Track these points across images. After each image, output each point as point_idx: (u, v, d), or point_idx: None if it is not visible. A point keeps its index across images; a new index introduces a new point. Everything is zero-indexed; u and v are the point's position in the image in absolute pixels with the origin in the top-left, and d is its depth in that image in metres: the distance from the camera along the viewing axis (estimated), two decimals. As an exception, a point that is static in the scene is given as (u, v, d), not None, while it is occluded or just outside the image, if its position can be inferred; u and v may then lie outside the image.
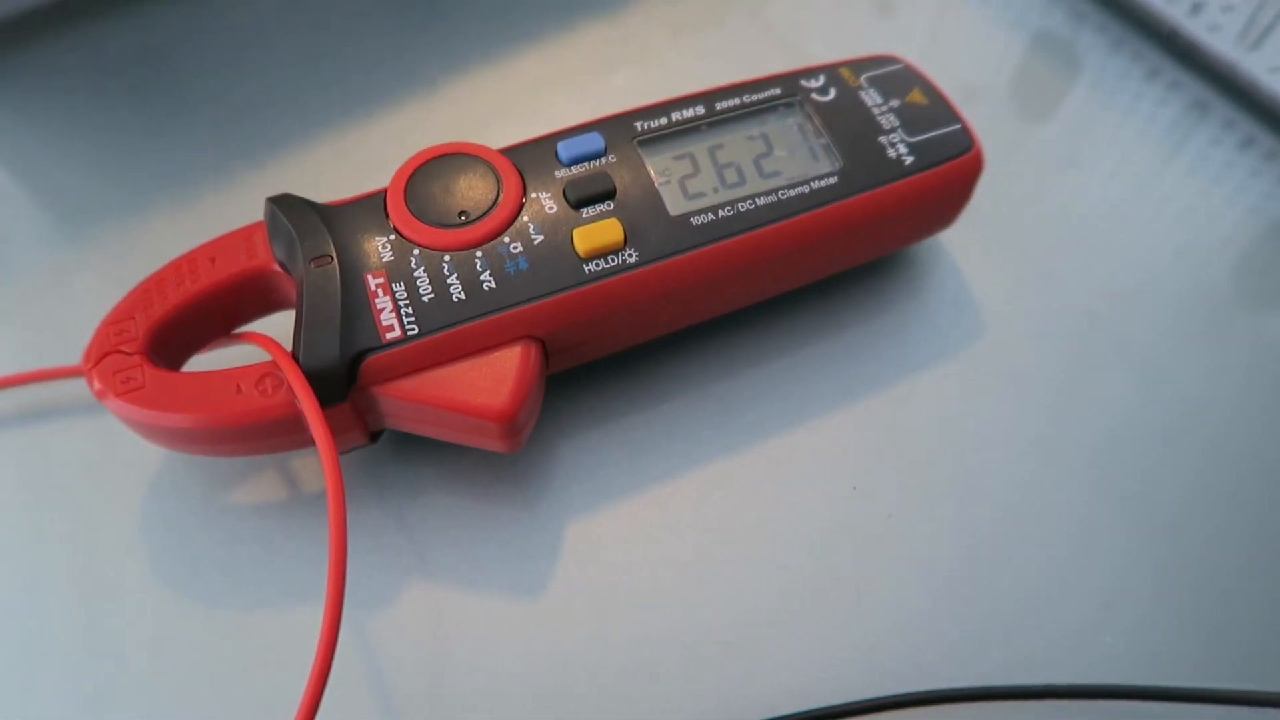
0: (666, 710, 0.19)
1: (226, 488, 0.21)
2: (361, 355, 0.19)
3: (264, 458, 0.22)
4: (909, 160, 0.22)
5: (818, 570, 0.21)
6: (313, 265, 0.19)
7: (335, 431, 0.19)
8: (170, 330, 0.20)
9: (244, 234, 0.21)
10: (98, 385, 0.19)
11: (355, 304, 0.19)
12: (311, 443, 0.19)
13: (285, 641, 0.19)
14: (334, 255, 0.19)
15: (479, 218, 0.20)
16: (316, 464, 0.22)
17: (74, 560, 0.21)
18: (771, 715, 0.18)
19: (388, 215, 0.20)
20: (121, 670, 0.19)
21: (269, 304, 0.21)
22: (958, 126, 0.23)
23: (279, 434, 0.19)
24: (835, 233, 0.21)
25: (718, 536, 0.21)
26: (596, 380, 0.23)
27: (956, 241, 0.26)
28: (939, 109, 0.23)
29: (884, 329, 0.24)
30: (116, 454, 0.22)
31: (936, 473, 0.22)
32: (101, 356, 0.19)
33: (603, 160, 0.21)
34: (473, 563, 0.21)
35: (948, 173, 0.22)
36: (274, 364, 0.19)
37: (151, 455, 0.22)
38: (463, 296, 0.19)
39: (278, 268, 0.20)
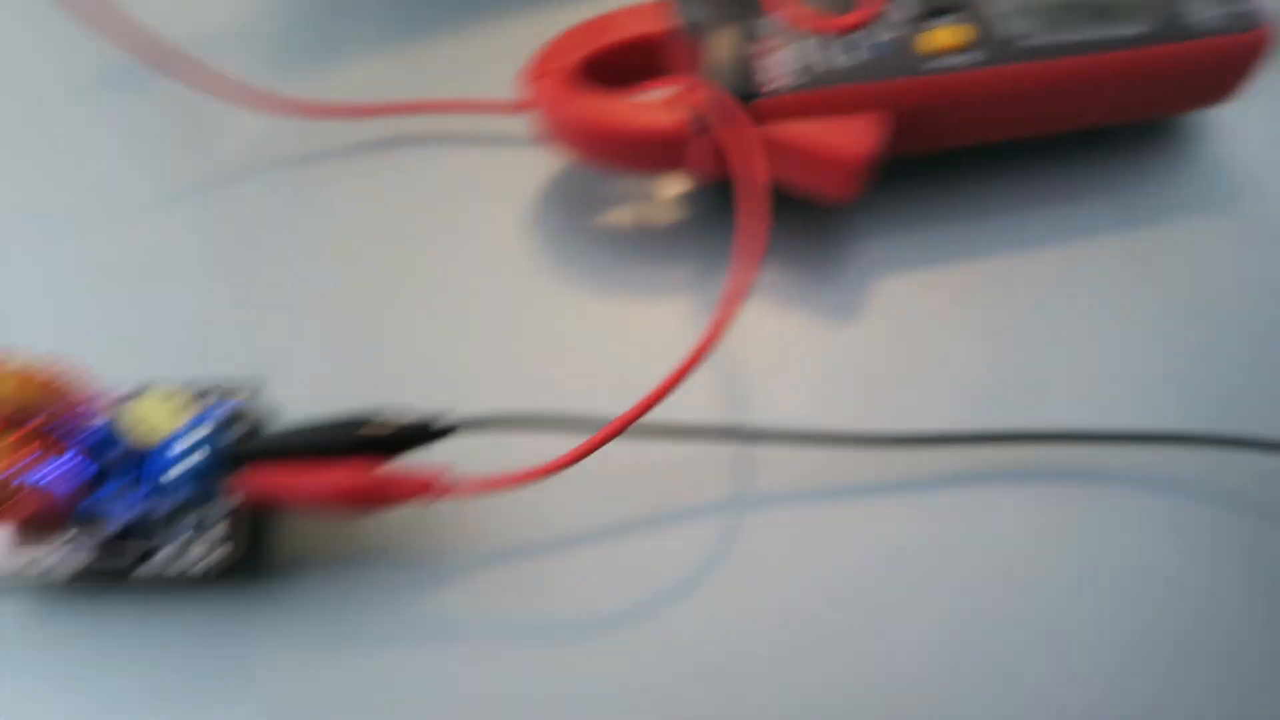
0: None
1: (602, 212, 0.27)
2: (750, 98, 0.24)
3: (629, 192, 0.27)
4: (1207, 24, 0.26)
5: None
6: (713, 29, 0.24)
7: (713, 163, 0.24)
8: (588, 73, 0.25)
9: (648, 5, 0.26)
10: (540, 91, 0.24)
11: (748, 60, 0.24)
12: (682, 167, 0.25)
13: (653, 332, 0.25)
14: (727, 21, 0.24)
15: (848, 10, 0.25)
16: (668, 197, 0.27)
17: (475, 253, 0.27)
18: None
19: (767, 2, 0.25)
20: (499, 349, 0.25)
21: (664, 68, 0.26)
22: (1251, 6, 0.26)
23: (677, 151, 0.24)
24: (1136, 74, 0.25)
25: (996, 322, 0.25)
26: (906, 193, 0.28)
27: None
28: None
29: (1152, 188, 0.28)
30: (504, 180, 0.28)
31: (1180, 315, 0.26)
32: (541, 75, 0.24)
33: (950, -16, 0.26)
34: (785, 305, 0.26)
35: (1238, 42, 0.26)
36: (684, 93, 0.24)
37: (534, 182, 0.28)
38: (832, 67, 0.24)
39: (677, 34, 0.25)
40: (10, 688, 0.22)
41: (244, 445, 0.22)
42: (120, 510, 0.21)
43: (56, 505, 0.20)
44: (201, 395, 0.23)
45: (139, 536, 0.21)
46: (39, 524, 0.21)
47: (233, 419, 0.22)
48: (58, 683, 0.22)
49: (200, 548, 0.21)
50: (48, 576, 0.21)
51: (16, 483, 0.19)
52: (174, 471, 0.21)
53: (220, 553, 0.21)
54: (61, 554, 0.21)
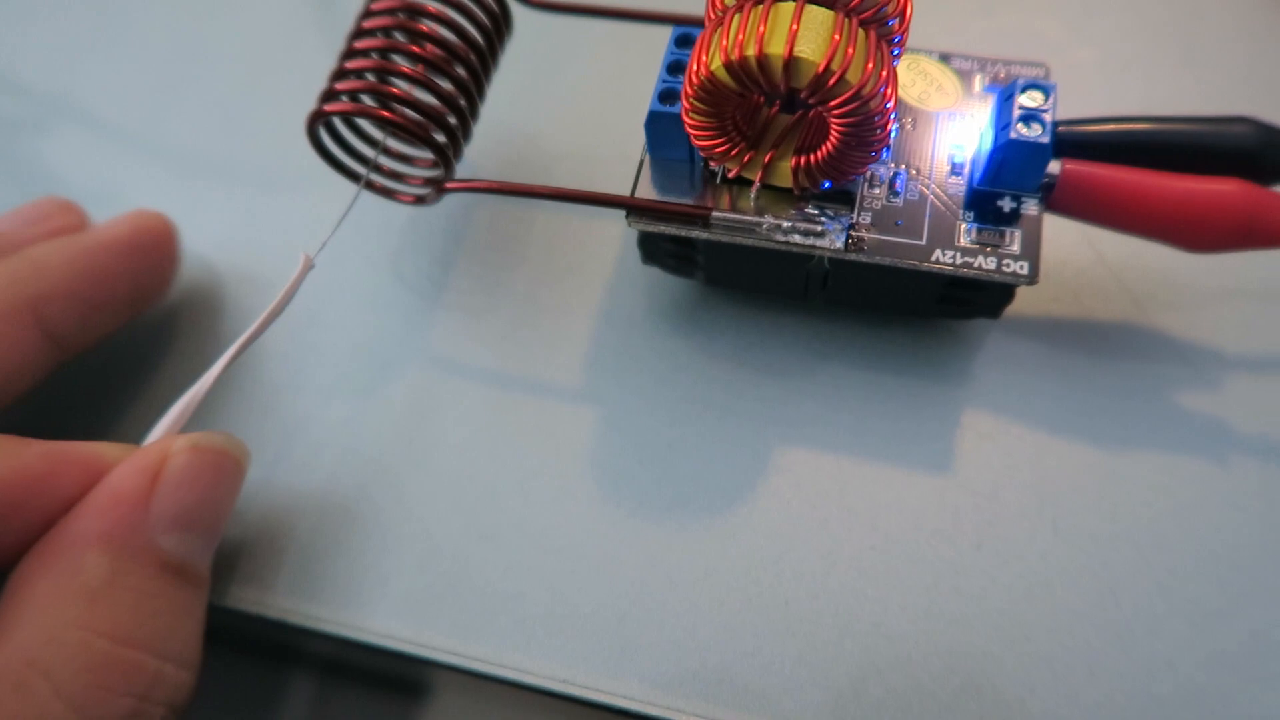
0: None
1: None
2: None
3: None
4: None
5: None
6: None
7: None
8: None
9: None
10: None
11: None
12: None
13: None
14: None
15: None
16: None
17: None
18: None
19: None
20: None
21: None
22: None
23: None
24: None
25: None
26: None
27: None
28: None
29: None
30: None
31: None
32: None
33: None
34: None
35: None
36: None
37: None
38: None
39: None
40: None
41: (1069, 133, 0.16)
42: (901, 189, 0.16)
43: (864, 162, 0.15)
44: (983, 67, 0.17)
45: (905, 223, 0.16)
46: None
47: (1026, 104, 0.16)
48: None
49: (984, 259, 0.15)
50: (811, 248, 0.15)
51: (877, 114, 0.14)
52: (975, 150, 0.16)
53: (1012, 268, 0.15)
54: (832, 225, 0.16)
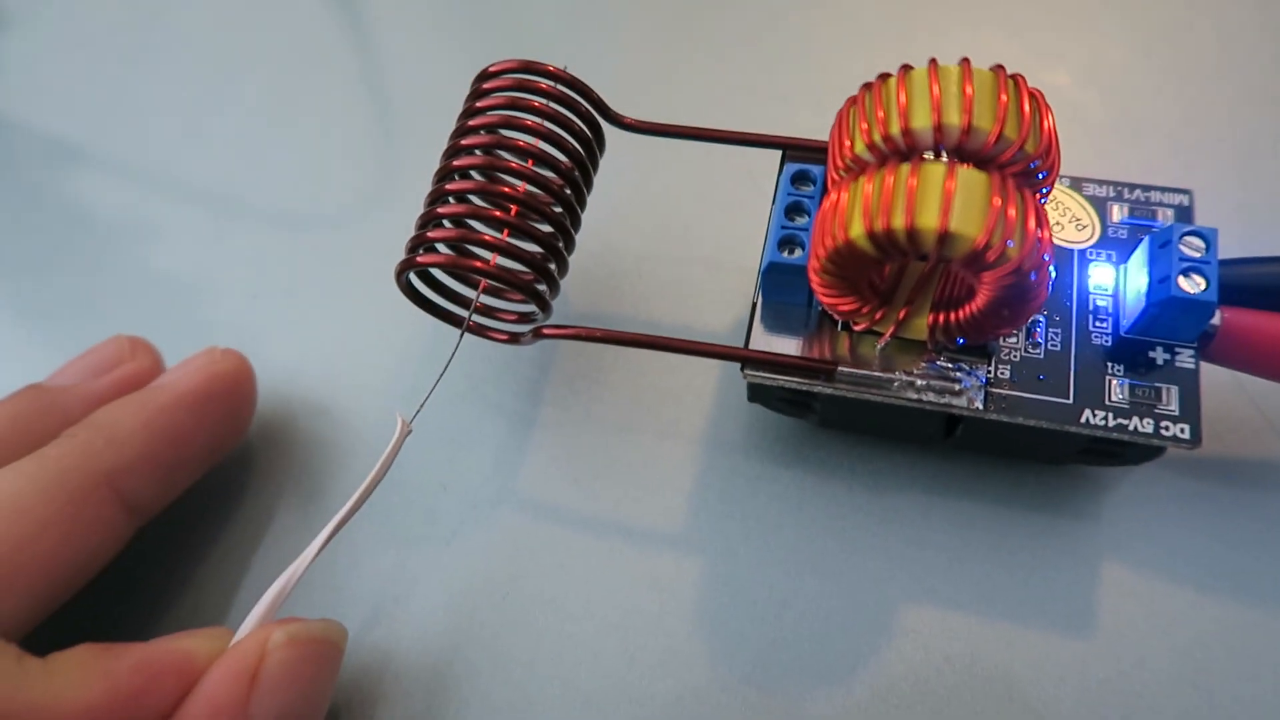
0: None
1: None
2: None
3: None
4: None
5: None
6: None
7: None
8: None
9: None
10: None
11: None
12: None
13: None
14: None
15: None
16: None
17: None
18: None
19: None
20: None
21: None
22: None
23: None
24: None
25: None
26: None
27: None
28: None
29: None
30: None
31: None
32: None
33: None
34: None
35: None
36: None
37: None
38: None
39: None
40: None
41: (1228, 275, 0.14)
42: (1041, 339, 0.15)
43: (1014, 325, 0.13)
44: (1119, 194, 0.16)
45: (1048, 377, 0.14)
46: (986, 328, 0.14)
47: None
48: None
49: (1140, 420, 0.14)
50: (947, 406, 0.14)
51: (1037, 285, 0.12)
52: (1117, 288, 0.15)
53: (1171, 431, 0.14)
54: (969, 382, 0.14)
